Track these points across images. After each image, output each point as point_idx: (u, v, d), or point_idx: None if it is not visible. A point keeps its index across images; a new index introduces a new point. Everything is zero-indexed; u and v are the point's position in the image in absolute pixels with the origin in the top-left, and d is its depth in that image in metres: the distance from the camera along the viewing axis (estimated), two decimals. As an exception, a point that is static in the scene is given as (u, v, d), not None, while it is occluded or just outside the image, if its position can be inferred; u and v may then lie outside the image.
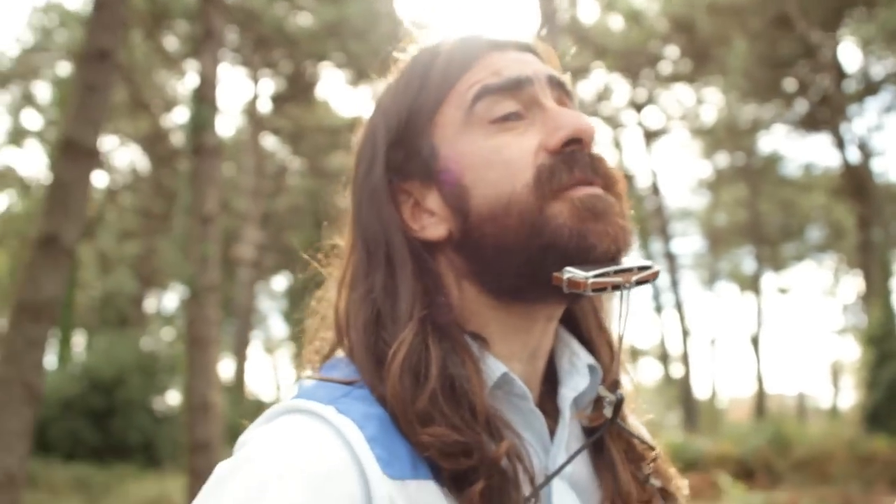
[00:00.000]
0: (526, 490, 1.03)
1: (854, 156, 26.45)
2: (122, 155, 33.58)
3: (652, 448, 1.25)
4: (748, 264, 42.33)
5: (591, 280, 1.04)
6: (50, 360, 10.34)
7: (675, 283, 31.21)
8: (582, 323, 1.27)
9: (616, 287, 1.07)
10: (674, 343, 39.22)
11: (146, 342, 24.44)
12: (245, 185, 31.10)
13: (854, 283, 43.99)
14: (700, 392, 38.32)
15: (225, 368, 28.50)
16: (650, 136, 33.48)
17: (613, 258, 1.09)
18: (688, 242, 59.30)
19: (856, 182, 25.64)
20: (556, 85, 1.18)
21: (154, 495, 14.91)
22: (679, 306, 31.03)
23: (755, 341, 36.75)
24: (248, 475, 0.94)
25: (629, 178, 36.20)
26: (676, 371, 36.63)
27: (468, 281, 1.15)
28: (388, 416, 1.03)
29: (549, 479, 1.08)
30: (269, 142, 36.39)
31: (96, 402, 19.36)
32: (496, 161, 1.10)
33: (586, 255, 1.07)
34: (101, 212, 30.06)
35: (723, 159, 36.87)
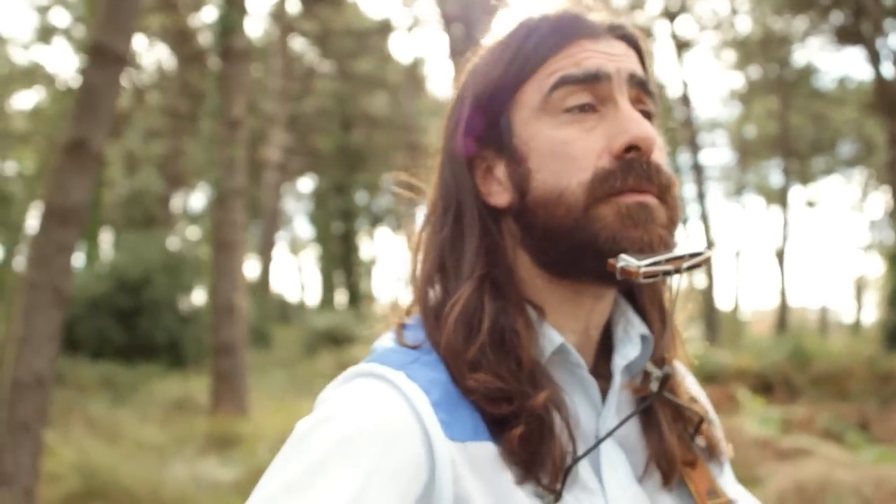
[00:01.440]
0: (564, 438, 1.12)
1: (888, 71, 26.11)
2: (149, 53, 33.38)
3: (699, 414, 1.31)
4: (776, 177, 42.12)
5: (642, 269, 1.09)
6: (78, 257, 10.47)
7: (701, 195, 30.98)
8: (639, 296, 1.33)
9: (667, 273, 1.12)
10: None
11: (173, 242, 24.45)
12: (272, 88, 31.01)
13: (882, 200, 43.77)
14: (723, 304, 38.35)
15: (250, 269, 28.73)
16: (682, 46, 33.04)
17: None
18: (716, 154, 58.88)
19: (889, 98, 25.32)
20: (637, 83, 1.21)
21: (179, 395, 15.05)
22: (705, 218, 30.85)
23: (780, 255, 36.66)
24: (325, 434, 1.02)
25: (660, 88, 35.80)
26: (700, 282, 36.69)
27: (523, 250, 1.22)
28: (450, 380, 1.12)
29: (598, 442, 1.15)
30: (298, 44, 36.16)
31: (123, 301, 19.43)
32: (561, 154, 1.16)
33: (617, 255, 1.12)
34: (128, 111, 30.06)
35: (755, 71, 36.43)
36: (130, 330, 19.45)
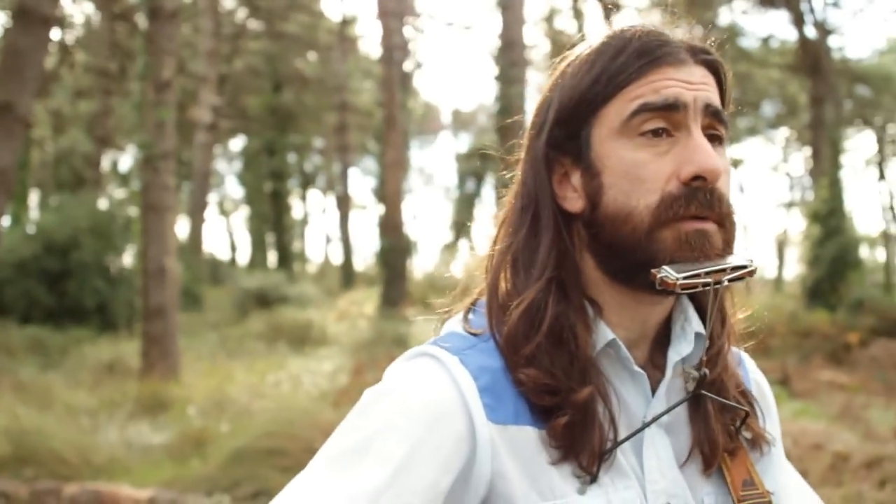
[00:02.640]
0: (606, 427, 1.22)
1: (811, 32, 26.44)
2: (76, 10, 32.78)
3: (745, 410, 1.37)
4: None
5: (680, 281, 1.16)
6: (4, 220, 10.35)
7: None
8: (701, 297, 1.36)
9: (706, 286, 1.18)
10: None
11: (102, 203, 24.10)
12: (202, 48, 30.64)
13: (803, 159, 44.40)
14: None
15: (181, 230, 28.47)
16: (609, 8, 33.14)
17: None
18: (644, 115, 59.09)
19: (811, 58, 25.65)
20: (711, 113, 1.26)
21: (109, 358, 14.90)
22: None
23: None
24: (384, 406, 1.19)
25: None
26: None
27: (589, 253, 1.30)
28: (502, 368, 1.23)
29: (640, 428, 1.26)
30: (227, 2, 35.73)
31: (51, 264, 19.10)
32: (633, 175, 1.23)
33: None
34: (55, 70, 29.56)
35: (681, 33, 36.59)
36: (59, 293, 19.17)
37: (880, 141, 41.25)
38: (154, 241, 13.42)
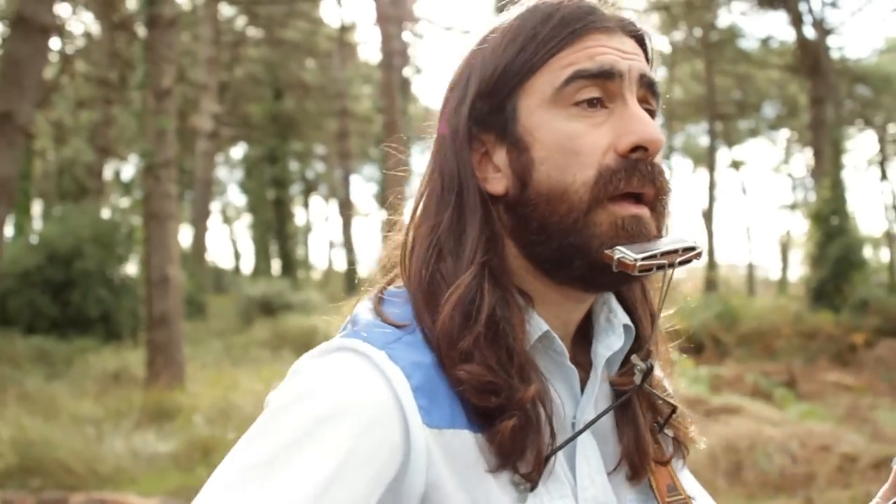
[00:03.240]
0: (546, 432, 1.11)
1: (810, 33, 26.46)
2: (75, 20, 32.83)
3: (672, 405, 1.30)
4: (702, 139, 42.57)
5: (639, 262, 1.10)
6: (7, 230, 10.35)
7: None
8: (626, 290, 1.32)
9: (660, 267, 1.13)
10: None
11: (105, 213, 24.12)
12: (202, 55, 30.66)
13: (805, 160, 44.39)
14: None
15: (184, 239, 28.50)
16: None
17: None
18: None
19: (811, 59, 25.65)
20: (646, 84, 1.20)
21: (114, 368, 14.91)
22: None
23: (707, 215, 37.08)
24: (301, 411, 1.02)
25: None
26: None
27: (512, 240, 1.20)
28: (433, 364, 1.11)
29: (578, 433, 1.17)
30: (226, 10, 35.77)
31: (54, 273, 19.09)
32: (567, 148, 1.14)
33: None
34: (56, 80, 29.57)
35: (680, 34, 36.72)
36: (63, 303, 19.18)
37: (881, 140, 41.23)
38: (157, 250, 13.41)
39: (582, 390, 1.21)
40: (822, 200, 20.75)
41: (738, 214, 77.18)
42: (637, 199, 1.16)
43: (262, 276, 36.38)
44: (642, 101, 1.20)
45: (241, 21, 37.69)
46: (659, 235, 1.17)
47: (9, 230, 20.23)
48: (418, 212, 1.26)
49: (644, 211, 1.16)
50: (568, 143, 1.15)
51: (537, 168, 1.16)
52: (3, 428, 9.20)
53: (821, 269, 19.66)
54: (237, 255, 54.22)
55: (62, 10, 28.85)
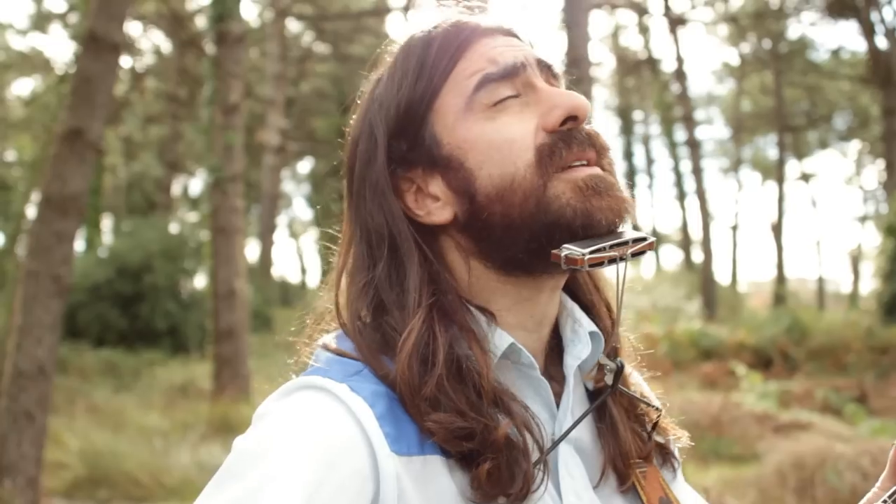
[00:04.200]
0: (532, 457, 1.08)
1: (882, 43, 26.11)
2: (145, 38, 33.33)
3: (654, 407, 1.31)
4: (771, 151, 42.15)
5: (587, 256, 1.09)
6: (78, 244, 10.46)
7: (697, 170, 30.99)
8: (582, 289, 1.32)
9: (612, 261, 1.12)
10: (695, 229, 39.18)
11: (173, 227, 24.43)
12: (269, 71, 30.94)
13: (876, 172, 43.76)
14: (721, 278, 38.38)
15: (250, 252, 28.73)
16: (676, 22, 32.98)
17: (615, 228, 1.14)
18: (712, 129, 58.88)
19: (883, 70, 25.31)
20: (545, 67, 1.22)
21: (181, 380, 15.07)
22: (701, 193, 30.86)
23: (776, 228, 36.69)
24: (268, 450, 1.00)
25: (655, 63, 36.02)
26: (697, 257, 36.68)
27: (475, 259, 1.19)
28: (395, 393, 1.09)
29: (554, 445, 1.14)
30: (294, 26, 36.09)
31: (124, 287, 19.38)
32: (498, 141, 1.14)
33: (592, 229, 1.12)
34: (126, 96, 30.02)
35: (749, 46, 36.45)
36: (131, 316, 19.46)
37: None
38: (224, 264, 13.53)
39: (558, 405, 1.19)
40: (895, 213, 20.41)
41: (807, 227, 76.16)
42: (585, 166, 1.16)
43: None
44: (548, 84, 1.22)
45: (307, 37, 38.03)
46: (622, 190, 1.17)
47: (79, 244, 20.52)
48: (343, 277, 1.26)
49: (597, 169, 1.16)
50: (498, 137, 1.15)
51: (478, 175, 1.15)
52: (72, 439, 9.32)
53: (893, 283, 19.31)
54: (303, 270, 54.55)
55: (133, 28, 29.33)
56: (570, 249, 1.10)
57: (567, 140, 1.15)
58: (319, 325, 1.31)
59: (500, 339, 1.15)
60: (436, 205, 1.20)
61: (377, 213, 1.21)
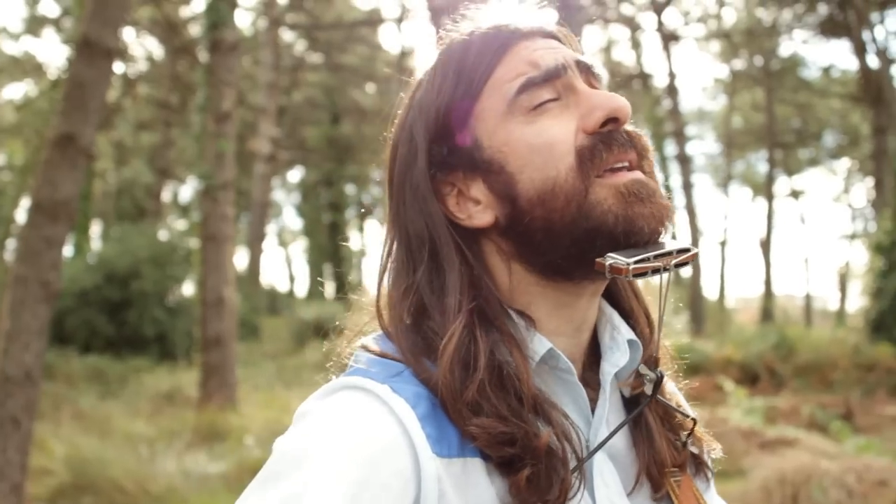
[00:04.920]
0: (570, 465, 1.08)
1: (873, 62, 26.23)
2: (138, 45, 33.31)
3: (690, 417, 1.30)
4: (761, 168, 42.31)
5: (632, 266, 1.08)
6: (67, 250, 10.41)
7: (687, 185, 31.06)
8: (621, 295, 1.32)
9: (656, 271, 1.11)
10: (684, 244, 39.26)
11: (162, 234, 24.40)
12: (262, 79, 30.97)
13: (865, 190, 43.93)
14: (709, 293, 38.45)
15: (239, 261, 28.70)
16: (669, 38, 33.09)
17: (657, 237, 1.14)
18: (703, 145, 59.09)
19: (873, 88, 25.43)
20: (585, 69, 1.22)
21: (168, 388, 15.04)
22: (691, 208, 30.94)
23: (765, 244, 36.79)
24: (308, 453, 1.00)
25: (647, 78, 36.12)
26: (686, 272, 36.75)
27: (516, 262, 1.19)
28: (435, 397, 1.09)
29: (591, 454, 1.13)
30: (287, 36, 36.12)
31: (112, 293, 19.33)
32: (539, 144, 1.14)
33: (634, 237, 1.12)
34: (118, 102, 29.99)
35: (741, 62, 36.61)
36: (119, 322, 19.41)
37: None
38: (213, 271, 13.50)
39: (594, 411, 1.19)
40: (884, 231, 20.44)
41: (796, 244, 76.48)
42: (627, 170, 1.16)
43: (316, 299, 36.56)
44: (588, 85, 1.21)
45: (300, 46, 38.08)
46: (664, 197, 1.17)
47: (67, 250, 20.46)
48: (385, 281, 1.26)
49: (639, 174, 1.16)
50: (538, 141, 1.14)
51: (519, 178, 1.15)
52: (58, 446, 9.29)
53: (880, 301, 19.35)
54: (292, 278, 54.55)
55: (126, 34, 29.29)
56: (614, 258, 1.10)
57: (607, 142, 1.15)
58: (359, 328, 1.31)
59: (539, 344, 1.15)
60: (477, 208, 1.20)
61: (417, 217, 1.22)
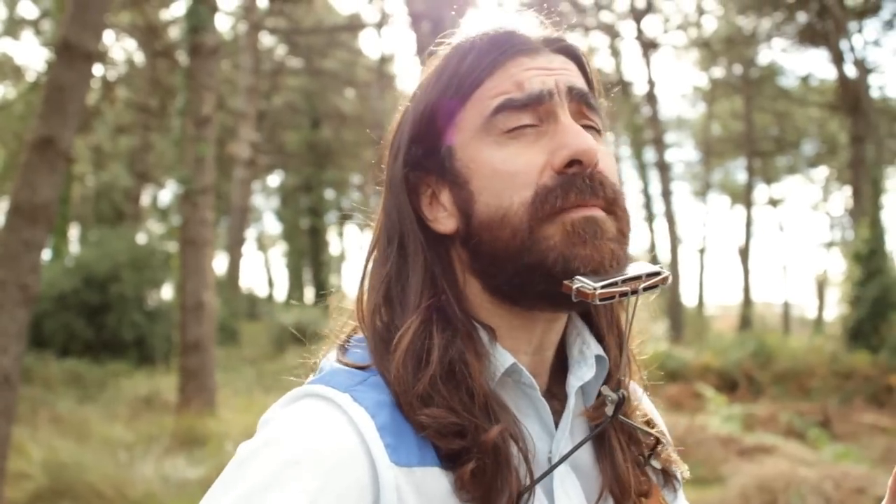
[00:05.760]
0: (521, 470, 1.08)
1: (851, 71, 26.37)
2: (118, 48, 33.18)
3: (655, 437, 1.29)
4: (740, 176, 42.50)
5: (598, 291, 1.07)
6: (45, 253, 10.35)
7: (666, 193, 31.15)
8: (595, 317, 1.30)
9: (623, 295, 1.10)
10: (663, 251, 39.38)
11: (141, 237, 24.30)
12: (241, 84, 30.90)
13: (843, 199, 44.17)
14: (687, 301, 38.54)
15: (219, 265, 28.63)
16: (648, 45, 33.19)
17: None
18: (682, 152, 59.26)
19: (851, 97, 25.57)
20: (577, 96, 1.19)
21: (147, 392, 14.97)
22: (670, 215, 31.03)
23: (744, 252, 36.93)
24: (269, 457, 1.01)
25: (626, 86, 36.21)
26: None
27: (472, 276, 1.19)
28: (398, 403, 1.09)
29: (550, 469, 1.13)
30: (267, 40, 36.07)
31: (90, 297, 19.22)
32: (502, 171, 1.13)
33: (570, 276, 1.10)
34: (97, 105, 29.87)
35: (720, 70, 36.75)
36: (98, 326, 19.29)
37: (921, 180, 40.89)
38: (192, 275, 13.46)
39: (558, 425, 1.19)
40: (861, 240, 20.59)
41: (774, 252, 76.92)
42: (585, 207, 1.13)
43: (296, 303, 36.47)
44: (578, 115, 1.19)
45: (281, 50, 38.03)
46: (622, 240, 1.15)
47: (46, 253, 20.37)
48: (370, 264, 1.27)
49: (596, 211, 1.13)
50: (502, 167, 1.14)
51: (477, 199, 1.15)
52: (35, 450, 9.23)
53: (858, 309, 19.51)
54: (271, 283, 54.35)
55: (106, 37, 29.17)
56: (582, 282, 1.09)
57: (566, 186, 1.12)
58: (339, 328, 1.32)
59: (503, 357, 1.15)
60: (444, 214, 1.20)
61: (393, 210, 1.23)
